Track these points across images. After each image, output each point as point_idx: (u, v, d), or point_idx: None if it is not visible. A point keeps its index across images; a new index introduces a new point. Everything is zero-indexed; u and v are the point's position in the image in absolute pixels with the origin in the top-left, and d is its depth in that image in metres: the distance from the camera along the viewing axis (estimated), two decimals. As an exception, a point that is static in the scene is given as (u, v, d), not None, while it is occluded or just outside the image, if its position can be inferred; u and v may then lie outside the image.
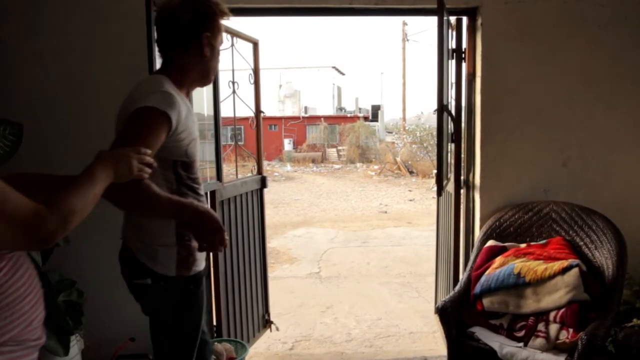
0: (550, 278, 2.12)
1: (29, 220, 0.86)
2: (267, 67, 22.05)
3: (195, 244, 1.45)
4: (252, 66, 3.00)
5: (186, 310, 1.49)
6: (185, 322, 1.51)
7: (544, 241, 2.43)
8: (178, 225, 1.43)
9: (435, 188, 2.65)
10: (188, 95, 1.52)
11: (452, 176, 2.84)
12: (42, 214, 0.87)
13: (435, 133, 2.43)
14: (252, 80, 3.00)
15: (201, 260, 1.52)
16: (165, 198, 1.34)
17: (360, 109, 29.01)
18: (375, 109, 28.19)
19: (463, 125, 2.81)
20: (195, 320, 1.53)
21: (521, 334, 2.10)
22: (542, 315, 2.10)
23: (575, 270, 2.10)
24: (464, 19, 2.71)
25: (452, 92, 2.76)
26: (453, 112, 2.70)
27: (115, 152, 1.16)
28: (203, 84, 1.61)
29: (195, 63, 1.47)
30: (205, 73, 1.51)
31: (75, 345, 2.25)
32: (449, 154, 2.83)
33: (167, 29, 1.44)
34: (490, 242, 2.47)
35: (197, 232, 1.42)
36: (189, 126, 1.42)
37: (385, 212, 9.00)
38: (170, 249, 1.43)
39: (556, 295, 2.10)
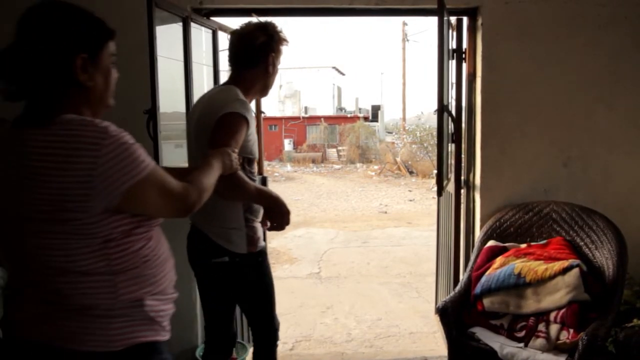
0: (550, 278, 2.12)
1: (180, 194, 1.14)
2: (267, 67, 22.00)
3: (257, 224, 1.78)
4: (253, 66, 3.00)
5: (264, 277, 1.85)
6: (268, 287, 1.87)
7: (544, 241, 2.43)
8: (244, 211, 1.74)
9: (435, 188, 2.66)
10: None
11: (452, 176, 2.85)
12: (188, 189, 1.16)
13: (435, 133, 2.44)
14: (253, 81, 3.01)
15: (262, 238, 1.83)
16: (252, 186, 1.65)
17: (360, 109, 29.01)
18: (375, 109, 28.19)
19: (463, 125, 2.82)
20: (272, 285, 1.89)
21: (522, 334, 2.10)
22: (542, 316, 2.11)
23: (575, 271, 2.11)
24: (465, 19, 2.71)
25: (452, 92, 2.77)
26: (453, 112, 2.70)
27: (221, 149, 1.46)
28: (262, 95, 1.94)
29: (260, 77, 1.79)
30: (266, 86, 1.84)
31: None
32: (449, 154, 2.83)
33: (241, 48, 1.76)
34: (491, 243, 2.48)
35: (270, 214, 1.72)
36: (253, 129, 1.73)
37: (386, 212, 9.01)
38: (240, 230, 1.73)
39: (557, 295, 2.10)
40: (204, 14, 2.57)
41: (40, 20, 1.06)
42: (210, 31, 2.52)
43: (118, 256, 1.07)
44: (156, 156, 2.01)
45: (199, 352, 2.52)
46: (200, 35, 2.47)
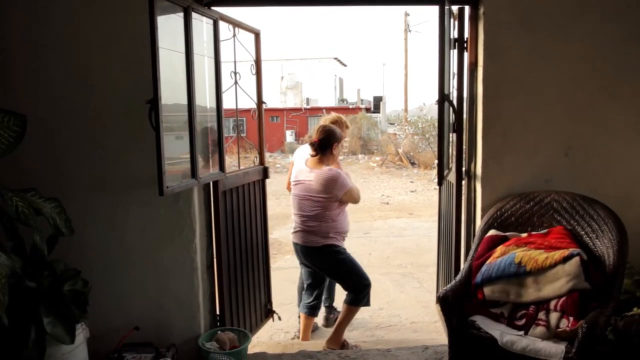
0: (551, 267, 2.13)
1: (358, 196, 3.16)
2: (268, 58, 21.97)
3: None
4: (254, 57, 3.00)
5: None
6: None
7: (545, 231, 2.43)
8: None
9: (437, 179, 2.66)
10: None
11: (453, 166, 2.85)
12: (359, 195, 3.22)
13: (437, 124, 2.44)
14: (254, 71, 3.00)
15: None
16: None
17: (362, 100, 28.91)
18: (377, 101, 28.12)
19: (465, 115, 2.81)
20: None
21: (522, 322, 2.12)
22: (542, 304, 2.12)
23: (576, 259, 2.11)
24: (466, 8, 2.69)
25: (454, 82, 2.76)
26: (455, 102, 2.70)
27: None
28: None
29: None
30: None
31: (81, 333, 2.28)
32: (451, 144, 2.83)
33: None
34: (492, 232, 2.48)
35: None
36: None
37: (387, 203, 9.02)
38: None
39: (557, 284, 2.11)
40: (205, 4, 2.57)
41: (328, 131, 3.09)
42: (212, 21, 2.51)
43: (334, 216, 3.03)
44: (158, 146, 2.01)
45: (201, 341, 2.55)
46: (202, 27, 2.46)
